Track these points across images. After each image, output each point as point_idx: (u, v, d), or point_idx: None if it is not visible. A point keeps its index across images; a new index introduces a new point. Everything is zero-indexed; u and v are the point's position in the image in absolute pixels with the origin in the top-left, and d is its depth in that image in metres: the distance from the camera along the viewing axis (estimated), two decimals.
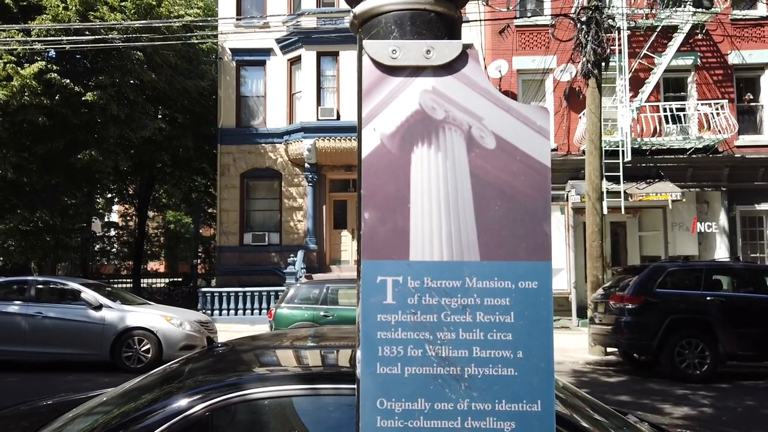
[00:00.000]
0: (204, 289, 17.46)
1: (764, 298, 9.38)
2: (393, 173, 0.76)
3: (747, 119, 16.77)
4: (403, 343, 0.74)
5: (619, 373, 9.93)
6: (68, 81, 16.68)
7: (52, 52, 18.03)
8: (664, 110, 15.61)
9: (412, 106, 0.77)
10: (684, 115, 15.75)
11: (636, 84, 15.83)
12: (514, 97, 16.13)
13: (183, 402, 2.24)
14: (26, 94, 15.98)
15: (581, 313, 14.46)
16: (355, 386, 0.74)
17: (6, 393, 7.87)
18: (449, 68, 0.78)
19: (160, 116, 21.60)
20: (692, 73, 16.74)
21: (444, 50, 0.78)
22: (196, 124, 22.24)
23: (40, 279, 11.27)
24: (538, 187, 0.78)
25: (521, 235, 0.77)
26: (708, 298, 9.35)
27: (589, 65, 12.26)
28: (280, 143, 18.77)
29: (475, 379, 0.74)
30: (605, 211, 13.27)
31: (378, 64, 0.78)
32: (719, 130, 15.44)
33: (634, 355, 10.25)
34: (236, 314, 16.38)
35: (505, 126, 0.78)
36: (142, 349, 9.87)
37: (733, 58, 16.62)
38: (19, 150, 17.82)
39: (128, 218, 32.88)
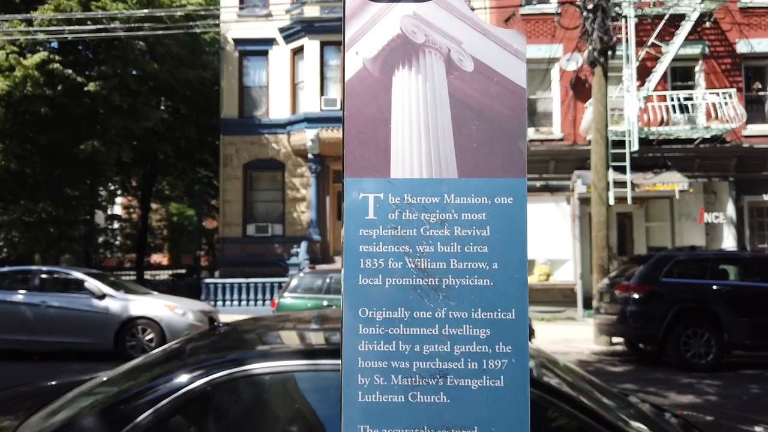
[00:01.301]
0: (207, 280, 17.48)
1: None
2: (374, 95, 0.79)
3: (755, 109, 16.63)
4: (384, 256, 0.77)
5: (624, 362, 9.89)
6: (70, 71, 16.68)
7: (55, 43, 18.02)
8: (672, 99, 15.47)
9: (393, 31, 0.81)
10: (691, 104, 15.62)
11: (643, 73, 15.70)
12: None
13: (185, 378, 2.26)
14: (29, 84, 15.99)
15: (587, 304, 14.40)
16: (341, 296, 0.78)
17: (12, 380, 7.88)
18: None
19: (162, 107, 21.61)
20: (700, 62, 16.59)
21: None
22: (199, 114, 22.23)
23: (44, 269, 11.29)
24: (514, 107, 0.80)
25: (497, 154, 0.79)
26: (714, 287, 9.28)
27: (595, 53, 12.15)
28: (283, 134, 18.72)
29: (452, 289, 0.77)
30: (611, 202, 13.20)
31: None
32: (727, 120, 15.30)
33: (640, 344, 10.20)
34: (240, 305, 16.39)
35: (483, 49, 0.81)
36: (146, 338, 9.88)
37: (742, 47, 16.46)
38: (22, 141, 17.86)
39: (131, 210, 32.93)
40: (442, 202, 0.78)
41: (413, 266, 0.77)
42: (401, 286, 0.77)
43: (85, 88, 16.75)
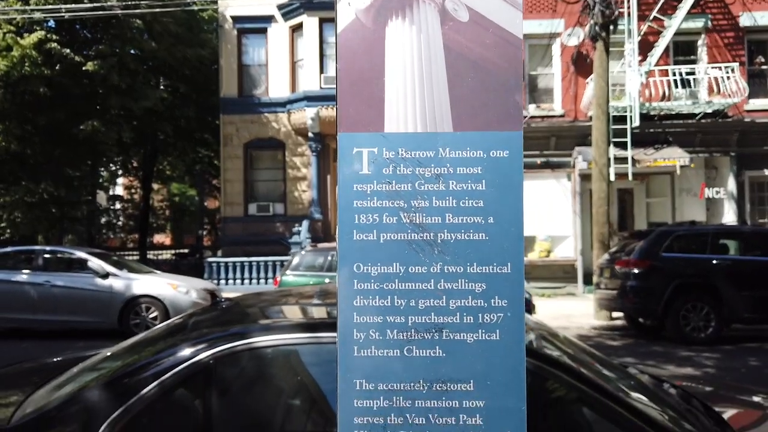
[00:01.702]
0: (210, 260, 17.55)
1: None
2: (368, 47, 0.78)
3: (757, 83, 16.47)
4: (379, 211, 0.78)
5: (623, 337, 9.97)
6: (68, 51, 16.53)
7: (52, 22, 17.83)
8: (674, 74, 15.32)
9: None
10: (693, 79, 15.47)
11: (645, 48, 15.52)
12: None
13: (188, 351, 2.28)
14: (26, 64, 15.87)
15: (587, 280, 14.46)
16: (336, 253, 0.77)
17: (18, 358, 7.95)
18: None
19: (161, 86, 21.45)
20: (702, 36, 16.40)
21: None
22: (198, 94, 22.07)
23: (47, 248, 11.34)
24: (510, 58, 0.79)
25: (493, 106, 0.78)
26: (714, 262, 9.31)
27: (596, 28, 12.02)
28: (283, 112, 18.61)
29: (447, 243, 0.77)
30: (612, 178, 13.17)
31: None
32: (729, 94, 15.18)
33: (640, 319, 10.27)
34: (242, 284, 16.47)
35: None
36: (150, 316, 9.96)
37: (745, 20, 16.25)
38: (22, 122, 17.78)
39: (133, 191, 32.93)
40: (437, 156, 0.78)
41: (408, 221, 0.77)
42: (396, 241, 0.77)
43: (84, 68, 16.62)
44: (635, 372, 3.07)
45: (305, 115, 17.52)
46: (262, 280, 16.43)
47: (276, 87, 18.87)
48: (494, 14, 0.79)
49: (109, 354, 2.93)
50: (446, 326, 0.75)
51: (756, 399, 3.19)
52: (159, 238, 39.43)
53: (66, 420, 2.23)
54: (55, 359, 3.68)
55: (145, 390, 2.17)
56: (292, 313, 3.03)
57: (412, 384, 0.73)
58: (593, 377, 2.41)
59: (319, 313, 3.04)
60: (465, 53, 0.79)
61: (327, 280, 10.66)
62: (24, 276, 10.21)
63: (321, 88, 17.46)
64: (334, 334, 2.36)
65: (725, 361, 7.72)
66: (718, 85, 15.30)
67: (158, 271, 12.27)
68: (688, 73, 15.43)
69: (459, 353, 0.75)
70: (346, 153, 0.78)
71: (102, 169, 28.21)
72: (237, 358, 2.35)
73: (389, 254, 0.77)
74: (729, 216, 15.88)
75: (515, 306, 0.76)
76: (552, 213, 15.61)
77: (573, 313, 11.95)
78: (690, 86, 15.44)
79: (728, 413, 2.75)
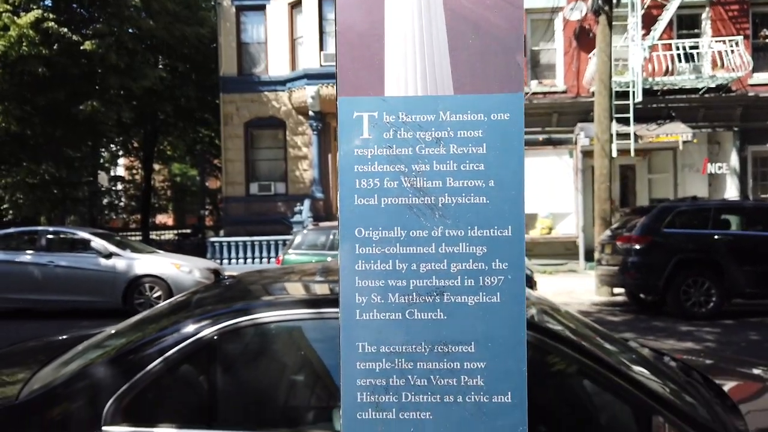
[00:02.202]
0: (213, 239, 17.60)
1: None
2: (367, 9, 0.77)
3: (762, 57, 16.29)
4: (380, 176, 0.78)
5: (624, 312, 10.02)
6: (65, 30, 16.38)
7: (48, 1, 17.65)
8: (677, 48, 15.16)
9: None
10: (697, 53, 15.31)
11: (648, 21, 15.33)
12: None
13: (192, 327, 2.30)
14: (24, 44, 15.74)
15: (589, 257, 14.49)
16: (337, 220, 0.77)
17: (24, 338, 8.04)
18: None
19: (160, 66, 21.28)
20: (707, 9, 16.18)
21: None
22: (198, 73, 21.91)
23: (50, 229, 11.37)
24: (511, 19, 0.78)
25: (494, 68, 0.78)
26: (716, 237, 9.31)
27: (599, 1, 11.87)
28: (283, 91, 18.49)
29: (448, 207, 0.78)
30: (614, 154, 13.11)
31: None
32: (733, 68, 15.03)
33: (641, 295, 10.31)
34: (245, 263, 16.54)
35: None
36: (154, 295, 10.02)
37: None
38: (21, 102, 17.69)
39: (134, 171, 32.90)
40: (437, 120, 0.77)
41: (409, 185, 0.77)
42: (397, 206, 0.77)
43: (81, 47, 16.48)
44: (636, 345, 3.09)
45: (305, 93, 17.40)
46: (265, 260, 16.50)
47: (276, 65, 18.71)
48: None
49: (113, 331, 2.95)
50: (447, 289, 0.75)
51: (756, 371, 3.21)
52: (161, 218, 39.52)
53: (72, 396, 2.26)
54: (60, 337, 3.72)
55: (150, 366, 2.20)
56: (295, 289, 3.04)
57: (413, 346, 0.74)
58: (595, 350, 2.43)
59: (321, 289, 3.05)
60: (466, 14, 0.78)
61: (329, 259, 10.70)
62: (27, 257, 10.26)
63: (321, 65, 17.30)
64: (337, 310, 2.39)
65: (726, 335, 7.78)
66: (721, 59, 15.14)
67: (161, 251, 12.32)
68: (691, 47, 15.26)
69: (460, 316, 0.75)
70: (346, 118, 0.77)
71: (103, 149, 28.12)
72: (241, 334, 2.37)
73: (390, 218, 0.77)
74: (731, 191, 15.85)
75: (516, 269, 0.76)
76: (554, 190, 15.58)
77: (574, 290, 12.00)
78: (693, 60, 15.28)
79: (728, 385, 2.77)
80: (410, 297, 0.75)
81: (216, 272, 10.51)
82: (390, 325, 0.76)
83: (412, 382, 0.73)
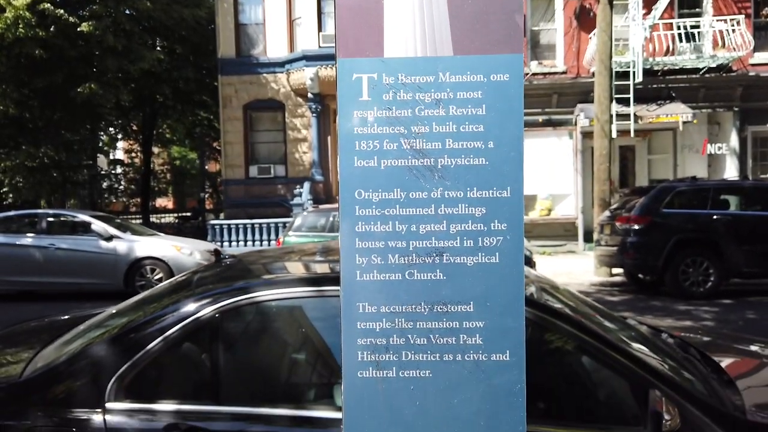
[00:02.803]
0: (213, 222, 17.61)
1: None
2: None
3: (763, 36, 16.16)
4: (379, 138, 0.78)
5: (623, 292, 10.08)
6: (62, 12, 16.23)
7: None
8: (678, 28, 15.03)
9: None
10: (698, 32, 15.18)
11: (649, 1, 15.18)
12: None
13: (193, 306, 2.31)
14: (20, 26, 15.61)
15: (588, 238, 14.52)
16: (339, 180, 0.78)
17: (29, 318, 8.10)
18: None
19: (158, 47, 21.11)
20: None
21: None
22: (196, 55, 21.74)
23: (51, 212, 11.41)
24: None
25: (493, 28, 0.77)
26: (714, 217, 9.33)
27: None
28: (282, 73, 18.36)
29: (448, 169, 0.78)
30: (614, 134, 13.06)
31: None
32: (734, 48, 14.92)
33: (639, 275, 10.36)
34: (245, 245, 16.56)
35: None
36: (155, 277, 10.07)
37: None
38: (19, 85, 17.60)
39: (133, 155, 32.82)
40: (436, 81, 0.77)
41: (408, 147, 0.77)
42: (397, 167, 0.78)
43: (78, 29, 16.35)
44: (634, 323, 3.12)
45: (304, 75, 17.29)
46: (265, 242, 16.53)
47: (274, 46, 18.56)
48: None
49: (115, 311, 2.97)
50: (447, 250, 0.76)
51: (753, 348, 3.24)
52: (161, 201, 39.49)
53: (75, 374, 2.27)
54: (62, 317, 3.75)
55: (151, 345, 2.22)
56: (295, 268, 3.06)
57: (413, 306, 0.75)
58: (594, 327, 2.45)
59: (321, 268, 3.07)
60: None
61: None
62: (29, 239, 10.28)
63: (320, 47, 17.17)
64: (337, 288, 2.40)
65: (723, 314, 7.83)
66: (723, 38, 15.02)
67: (161, 234, 12.35)
68: (692, 27, 15.12)
69: (459, 276, 0.77)
70: (345, 79, 0.77)
71: (102, 132, 28.02)
72: (241, 312, 2.38)
73: (390, 180, 0.78)
74: (731, 172, 15.83)
75: (514, 229, 0.77)
76: (553, 171, 15.56)
77: (573, 270, 12.05)
78: (694, 40, 15.16)
79: (725, 361, 2.79)
80: (410, 258, 0.76)
81: (217, 253, 10.54)
82: (390, 286, 0.77)
83: (411, 341, 0.75)
